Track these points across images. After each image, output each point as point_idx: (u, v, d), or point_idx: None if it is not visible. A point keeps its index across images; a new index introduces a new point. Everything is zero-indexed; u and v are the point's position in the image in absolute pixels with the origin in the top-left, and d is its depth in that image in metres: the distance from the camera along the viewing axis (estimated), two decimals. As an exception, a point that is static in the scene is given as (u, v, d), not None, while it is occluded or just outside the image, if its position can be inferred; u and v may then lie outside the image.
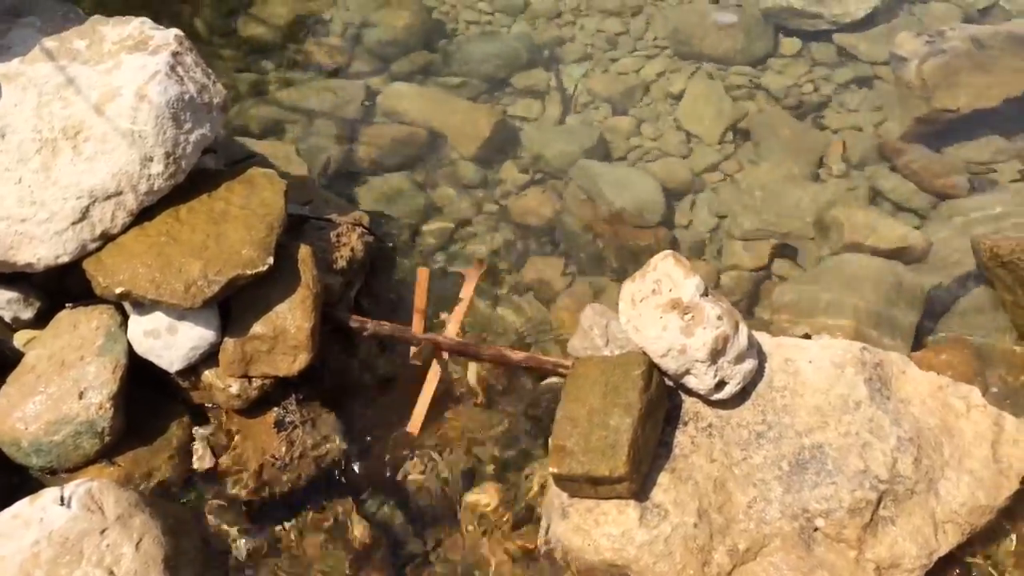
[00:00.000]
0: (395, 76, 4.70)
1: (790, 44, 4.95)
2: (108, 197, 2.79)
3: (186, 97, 2.89)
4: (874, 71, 4.77)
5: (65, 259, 2.78)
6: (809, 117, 4.52)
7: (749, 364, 2.71)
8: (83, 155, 2.80)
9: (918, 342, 3.41)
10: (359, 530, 2.81)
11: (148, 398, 2.95)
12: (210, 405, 2.96)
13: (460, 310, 3.15)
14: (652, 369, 2.66)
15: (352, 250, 3.17)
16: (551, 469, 2.59)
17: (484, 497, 2.95)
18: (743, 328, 2.69)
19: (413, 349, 3.09)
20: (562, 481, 2.62)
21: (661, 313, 2.64)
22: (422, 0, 5.14)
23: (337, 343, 3.13)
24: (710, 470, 2.69)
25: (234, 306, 2.84)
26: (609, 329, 2.92)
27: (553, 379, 3.11)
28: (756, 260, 3.82)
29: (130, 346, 2.83)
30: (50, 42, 3.06)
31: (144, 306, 2.78)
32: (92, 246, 2.81)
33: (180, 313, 2.76)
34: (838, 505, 2.60)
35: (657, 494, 2.66)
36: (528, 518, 2.90)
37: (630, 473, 2.52)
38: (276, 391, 2.91)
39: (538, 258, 3.93)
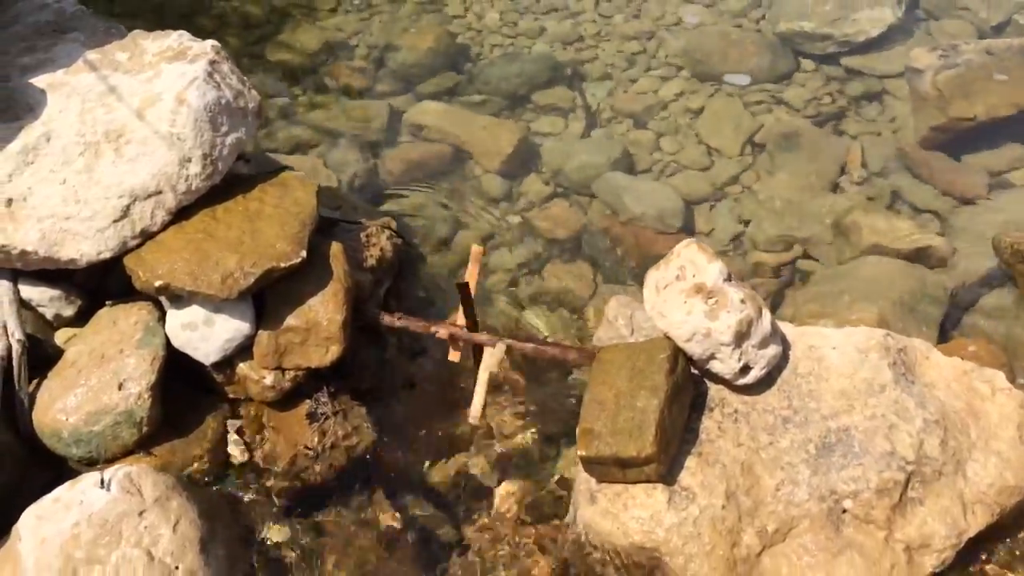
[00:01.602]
0: (420, 96, 4.83)
1: (805, 64, 5.04)
2: (148, 196, 2.90)
3: (223, 101, 3.01)
4: (888, 86, 4.84)
5: (107, 255, 2.88)
6: (827, 126, 4.59)
7: (773, 349, 2.75)
8: (125, 157, 2.91)
9: (942, 339, 3.43)
10: (388, 519, 2.85)
11: (184, 392, 3.02)
12: (244, 398, 3.03)
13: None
14: (677, 353, 2.70)
15: (381, 250, 3.25)
16: (579, 452, 2.63)
17: (511, 488, 2.98)
18: (766, 313, 2.73)
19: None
20: (590, 464, 2.66)
21: (685, 298, 2.69)
22: (445, 25, 5.30)
23: (367, 341, 3.19)
24: (737, 454, 2.72)
25: (268, 300, 2.92)
26: (634, 319, 2.97)
27: (578, 374, 3.16)
28: (779, 262, 3.86)
29: (168, 339, 2.91)
30: (93, 54, 3.21)
31: (182, 299, 2.87)
32: (133, 243, 2.90)
33: (216, 305, 2.84)
34: (866, 486, 2.61)
35: (685, 477, 2.69)
36: (555, 507, 2.93)
37: (657, 454, 2.55)
38: (308, 384, 2.98)
39: (563, 267, 4.00)
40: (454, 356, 3.09)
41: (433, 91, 4.87)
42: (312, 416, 2.92)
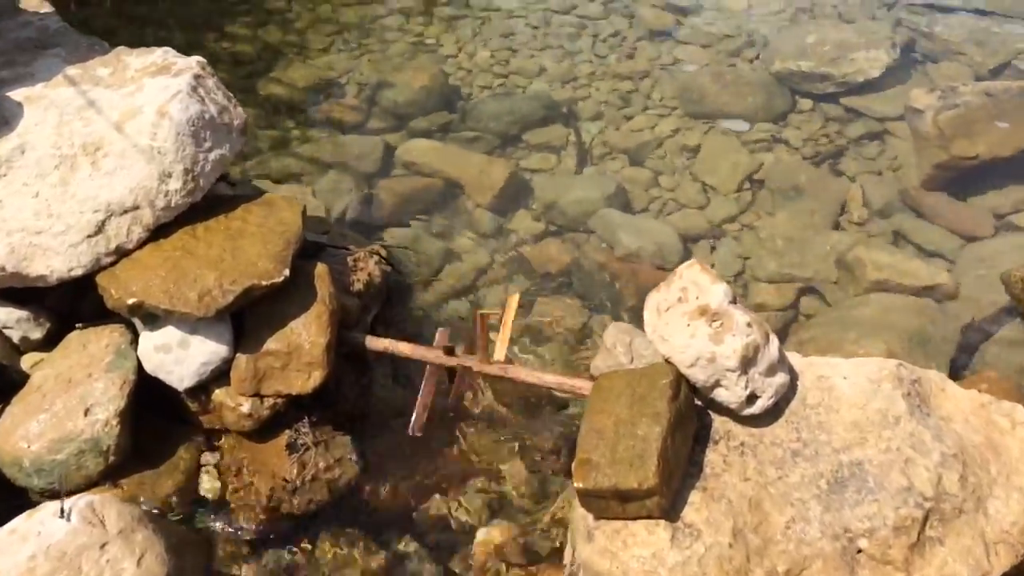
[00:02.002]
0: (412, 133, 4.75)
1: (803, 103, 4.99)
2: (125, 211, 2.77)
3: (206, 116, 2.90)
4: (887, 127, 4.78)
5: (79, 272, 2.73)
6: (826, 165, 4.51)
7: (781, 378, 2.60)
8: (102, 170, 2.78)
9: (954, 375, 3.29)
10: (371, 559, 2.66)
11: (156, 423, 2.85)
12: (220, 429, 2.85)
13: (505, 334, 2.99)
14: (680, 379, 2.55)
15: (369, 275, 3.12)
16: (576, 484, 2.45)
17: (503, 527, 2.80)
18: (773, 339, 2.60)
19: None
20: (588, 498, 2.48)
21: (688, 320, 2.55)
22: (438, 64, 5.25)
23: (352, 369, 3.03)
24: (744, 489, 2.55)
25: (247, 322, 2.77)
26: (633, 346, 2.82)
27: (573, 408, 3.00)
28: (782, 300, 3.74)
29: (140, 364, 2.75)
30: (73, 69, 3.10)
31: (156, 320, 2.71)
32: (107, 260, 2.76)
33: (192, 326, 2.68)
34: (882, 523, 2.44)
35: (689, 513, 2.51)
36: (549, 548, 2.74)
37: (660, 485, 2.39)
38: (288, 413, 2.81)
39: (555, 301, 3.86)
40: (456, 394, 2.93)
41: (425, 128, 4.79)
42: (292, 447, 2.75)
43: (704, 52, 5.40)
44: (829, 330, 3.48)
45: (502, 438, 3.02)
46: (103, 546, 2.33)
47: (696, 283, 2.60)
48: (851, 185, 4.39)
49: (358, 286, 3.05)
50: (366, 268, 3.13)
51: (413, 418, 2.84)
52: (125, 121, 2.84)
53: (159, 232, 2.84)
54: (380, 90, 5.02)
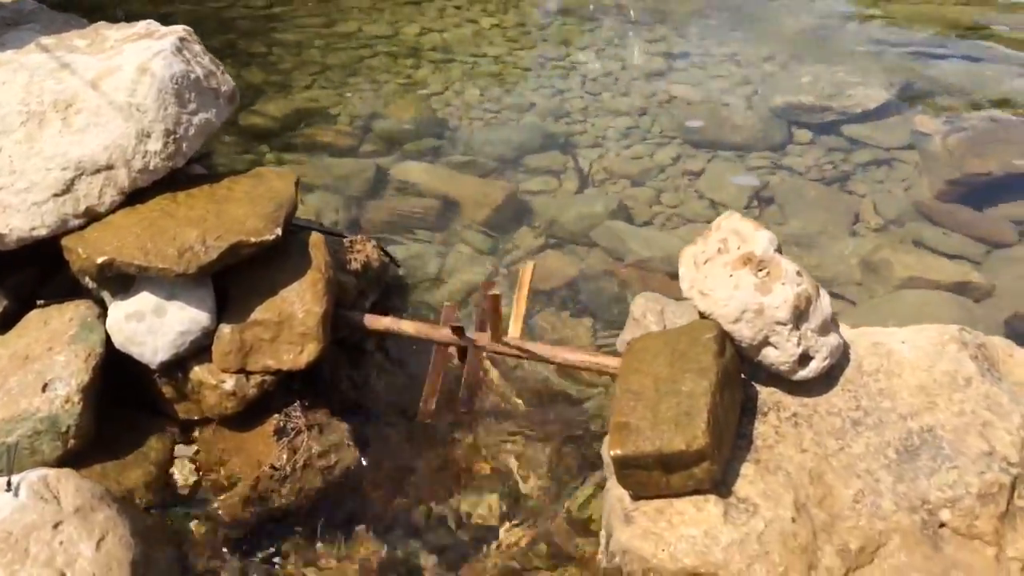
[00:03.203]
0: (406, 156, 4.54)
1: (803, 135, 4.87)
2: (97, 171, 2.49)
3: (192, 77, 2.66)
4: (892, 154, 4.65)
5: (42, 232, 2.43)
6: (834, 185, 4.34)
7: (834, 339, 2.33)
8: (73, 127, 2.52)
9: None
10: (369, 557, 2.28)
11: (125, 413, 2.50)
12: (198, 419, 2.50)
13: (520, 308, 2.69)
14: (724, 336, 2.27)
15: (367, 257, 2.84)
16: (612, 452, 2.12)
17: (521, 524, 2.44)
18: (824, 294, 2.33)
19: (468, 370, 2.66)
20: (626, 470, 2.15)
21: (731, 271, 2.28)
22: (426, 100, 5.11)
23: (348, 358, 2.71)
24: (802, 460, 2.23)
25: (233, 289, 2.46)
26: (665, 315, 2.54)
27: (593, 390, 2.69)
28: (805, 301, 3.48)
29: (108, 339, 2.41)
30: (48, 39, 2.87)
31: (129, 287, 2.40)
32: (74, 223, 2.47)
33: (170, 291, 2.37)
34: (964, 491, 2.13)
35: (742, 486, 2.19)
36: (573, 544, 2.38)
37: (711, 446, 2.07)
38: (277, 396, 2.47)
39: (556, 316, 3.58)
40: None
41: (417, 152, 4.58)
42: (281, 432, 2.40)
43: (697, 90, 5.31)
44: (864, 321, 3.21)
45: (516, 429, 2.68)
46: (56, 525, 1.95)
47: (737, 232, 2.34)
48: (861, 199, 4.22)
49: (355, 266, 2.77)
50: (363, 251, 2.85)
51: (421, 404, 2.51)
52: (102, 78, 2.59)
53: (135, 198, 2.55)
54: (369, 120, 4.85)
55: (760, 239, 2.31)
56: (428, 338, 2.61)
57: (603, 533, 2.27)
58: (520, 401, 2.76)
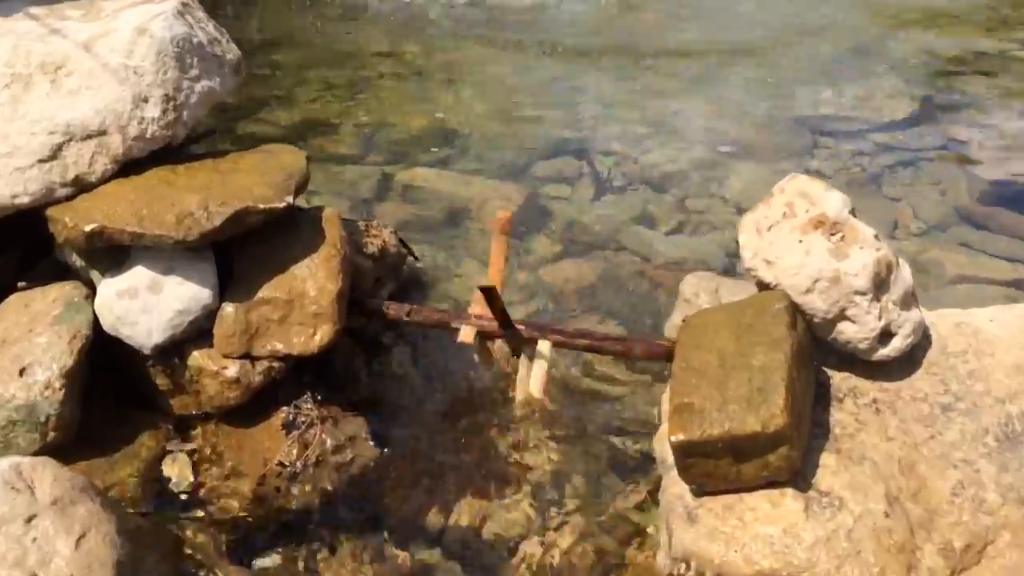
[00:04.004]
0: (414, 163, 4.32)
1: (824, 141, 4.68)
2: (88, 136, 2.24)
3: (194, 41, 2.43)
4: (922, 155, 4.46)
5: (25, 200, 2.18)
6: (864, 188, 4.13)
7: (917, 314, 2.07)
8: (63, 89, 2.28)
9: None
10: (392, 568, 1.98)
11: (113, 407, 2.22)
12: (196, 414, 2.21)
13: (499, 258, 2.43)
14: (795, 308, 2.01)
15: (384, 242, 2.58)
16: (673, 437, 1.85)
17: (562, 533, 2.15)
18: (904, 264, 2.08)
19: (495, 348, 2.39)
20: (689, 459, 1.87)
21: (800, 235, 2.03)
22: (435, 112, 4.92)
23: (364, 351, 2.44)
24: (889, 449, 1.96)
25: (237, 266, 2.20)
26: (720, 294, 2.28)
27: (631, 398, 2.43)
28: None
29: (96, 321, 2.14)
30: (39, 9, 2.63)
31: (121, 261, 2.13)
32: (61, 192, 2.21)
33: (167, 264, 2.11)
34: (1080, 481, 1.86)
35: (823, 478, 1.91)
36: (624, 554, 2.09)
37: (790, 426, 1.79)
38: (286, 387, 2.19)
39: (585, 318, 3.32)
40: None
41: (426, 160, 4.37)
42: (290, 425, 2.11)
43: (715, 105, 5.13)
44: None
45: (550, 428, 2.40)
46: (30, 520, 1.66)
47: (805, 194, 2.10)
48: (897, 204, 4.00)
49: (372, 249, 2.51)
50: (380, 236, 2.60)
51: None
52: (96, 40, 2.36)
53: (130, 170, 2.30)
54: (375, 129, 4.65)
55: (832, 200, 2.07)
56: (458, 326, 2.34)
57: (663, 536, 1.98)
58: (557, 403, 2.48)
